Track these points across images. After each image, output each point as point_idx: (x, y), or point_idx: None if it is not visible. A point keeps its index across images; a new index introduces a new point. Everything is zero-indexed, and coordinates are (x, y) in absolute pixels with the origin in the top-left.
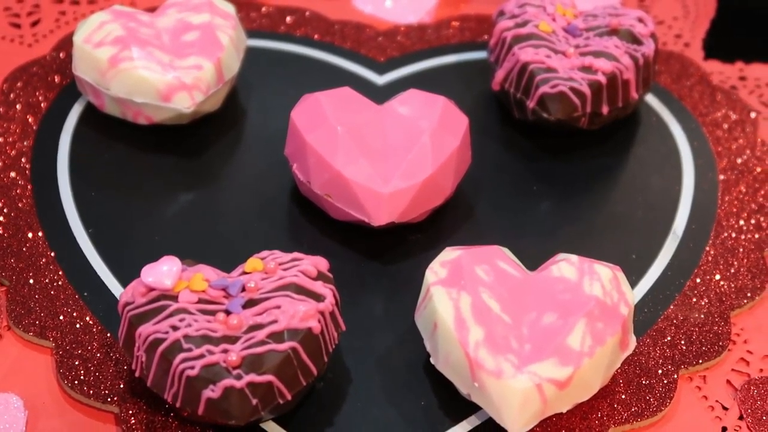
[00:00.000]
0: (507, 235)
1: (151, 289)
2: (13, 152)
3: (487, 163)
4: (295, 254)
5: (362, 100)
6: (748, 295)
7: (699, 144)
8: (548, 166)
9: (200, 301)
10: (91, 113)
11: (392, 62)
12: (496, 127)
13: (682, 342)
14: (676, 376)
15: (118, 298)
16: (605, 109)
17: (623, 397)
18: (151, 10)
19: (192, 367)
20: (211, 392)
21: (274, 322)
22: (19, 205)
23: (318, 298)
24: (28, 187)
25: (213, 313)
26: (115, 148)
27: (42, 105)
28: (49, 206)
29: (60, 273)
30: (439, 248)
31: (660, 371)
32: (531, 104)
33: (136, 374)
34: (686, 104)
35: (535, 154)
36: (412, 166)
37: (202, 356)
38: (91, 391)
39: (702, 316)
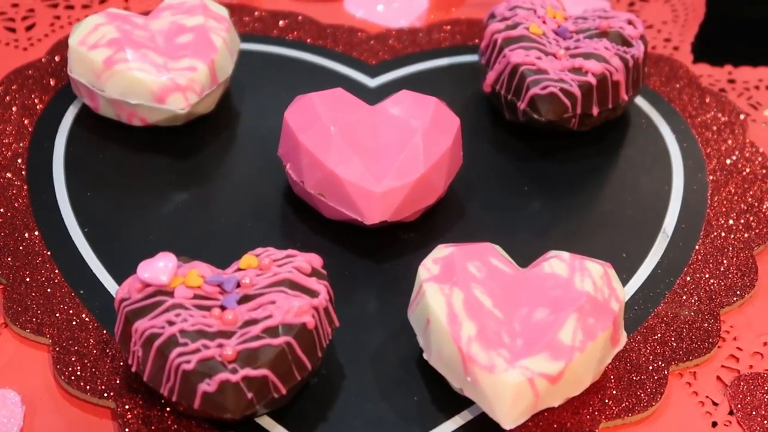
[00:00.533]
0: (498, 234)
1: (147, 285)
2: (9, 153)
3: (478, 164)
4: (290, 251)
5: (355, 100)
6: (738, 293)
7: (688, 145)
8: (539, 166)
9: (196, 296)
10: (86, 115)
11: (384, 65)
12: (487, 128)
13: (673, 339)
14: (666, 372)
15: (113, 295)
16: (595, 111)
17: (614, 392)
18: (145, 14)
19: (188, 362)
20: (207, 386)
21: (269, 317)
22: (15, 204)
23: (312, 293)
24: (24, 187)
25: (208, 308)
26: (110, 149)
27: (38, 107)
28: (44, 206)
29: (56, 271)
30: (431, 247)
31: (650, 367)
32: (522, 105)
33: (133, 369)
34: (676, 106)
35: (527, 155)
36: (405, 165)
37: (198, 351)
38: (88, 387)
39: (692, 313)
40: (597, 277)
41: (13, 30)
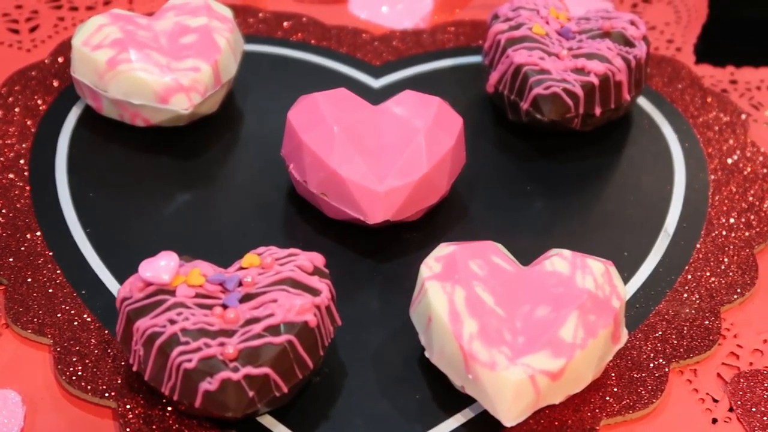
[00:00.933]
0: (501, 233)
1: (149, 284)
2: (11, 154)
3: (481, 164)
4: (292, 250)
5: (358, 100)
6: (738, 291)
7: (690, 145)
8: (542, 166)
9: (197, 295)
10: (89, 116)
11: (388, 66)
12: (490, 128)
13: (673, 337)
14: (667, 370)
15: (115, 295)
16: (598, 111)
17: (615, 390)
18: (149, 14)
19: (189, 360)
20: (209, 384)
21: (271, 315)
22: (18, 205)
23: (314, 292)
24: (27, 188)
25: (210, 307)
26: (113, 150)
27: (41, 108)
28: (47, 207)
29: (58, 272)
30: (433, 246)
31: (651, 365)
32: (525, 105)
33: (134, 368)
34: (678, 106)
35: (529, 155)
36: (407, 164)
37: (199, 349)
38: (89, 387)
39: (693, 311)
40: (598, 274)
41: (16, 31)
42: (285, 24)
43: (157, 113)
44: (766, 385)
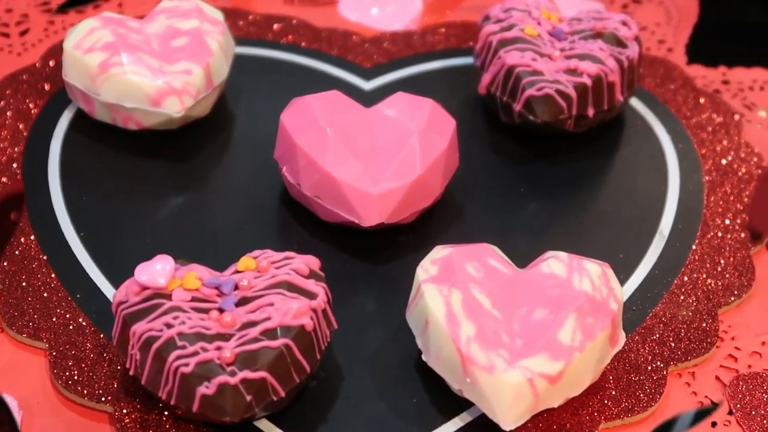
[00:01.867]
0: (496, 235)
1: (145, 288)
2: (3, 158)
3: (475, 166)
4: (288, 253)
5: (351, 102)
6: (735, 292)
7: (684, 146)
8: (535, 168)
9: (194, 299)
10: (82, 119)
11: (379, 68)
12: (483, 130)
13: (671, 339)
14: (665, 373)
15: (110, 299)
16: (591, 112)
17: (613, 393)
18: (140, 17)
19: (186, 364)
20: (206, 389)
21: (267, 319)
22: None
23: (310, 295)
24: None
25: (206, 311)
26: (106, 153)
27: (32, 112)
28: (40, 210)
29: (53, 276)
30: (428, 249)
31: (649, 368)
32: (517, 107)
33: (131, 373)
34: (671, 107)
35: (523, 157)
36: (401, 166)
37: (196, 353)
38: (85, 391)
39: (690, 313)
40: (595, 276)
41: (7, 35)
42: (275, 26)
43: (150, 116)
44: (765, 387)
